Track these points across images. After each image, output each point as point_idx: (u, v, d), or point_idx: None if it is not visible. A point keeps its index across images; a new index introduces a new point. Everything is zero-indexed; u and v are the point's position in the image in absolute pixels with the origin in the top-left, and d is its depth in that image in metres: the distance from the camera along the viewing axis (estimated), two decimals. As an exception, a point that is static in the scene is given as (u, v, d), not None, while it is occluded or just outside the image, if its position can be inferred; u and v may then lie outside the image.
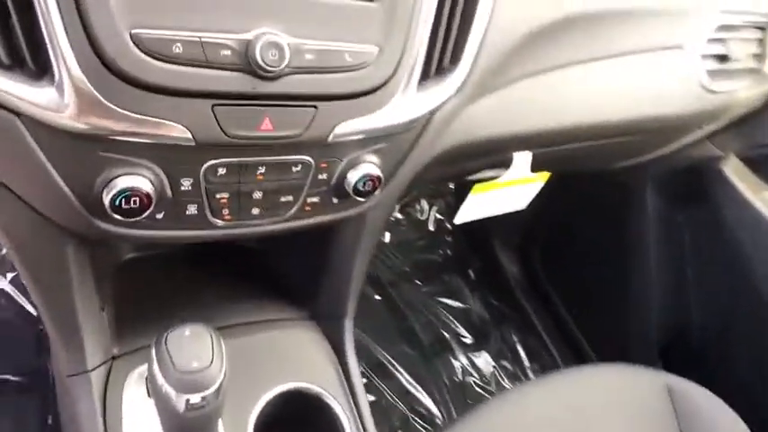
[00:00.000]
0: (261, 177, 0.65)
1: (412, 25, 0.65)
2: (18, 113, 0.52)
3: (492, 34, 0.74)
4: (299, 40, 0.58)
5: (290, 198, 0.69)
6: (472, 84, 0.75)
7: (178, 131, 0.56)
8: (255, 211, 0.68)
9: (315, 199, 0.71)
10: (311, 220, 0.74)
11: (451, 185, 2.05)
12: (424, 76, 0.70)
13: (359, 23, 0.62)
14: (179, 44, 0.53)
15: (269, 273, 1.09)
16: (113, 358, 0.84)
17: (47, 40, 0.50)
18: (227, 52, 0.55)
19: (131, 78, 0.52)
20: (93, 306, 0.78)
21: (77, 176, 0.58)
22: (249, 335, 0.92)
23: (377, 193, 0.73)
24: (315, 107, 0.60)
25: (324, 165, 0.68)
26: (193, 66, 0.54)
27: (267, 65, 0.56)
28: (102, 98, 0.52)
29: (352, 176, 0.70)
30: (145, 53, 0.52)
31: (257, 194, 0.67)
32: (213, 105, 0.56)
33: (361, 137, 0.67)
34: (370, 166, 0.70)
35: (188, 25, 0.53)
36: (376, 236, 0.93)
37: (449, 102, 0.73)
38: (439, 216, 2.10)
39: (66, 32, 0.50)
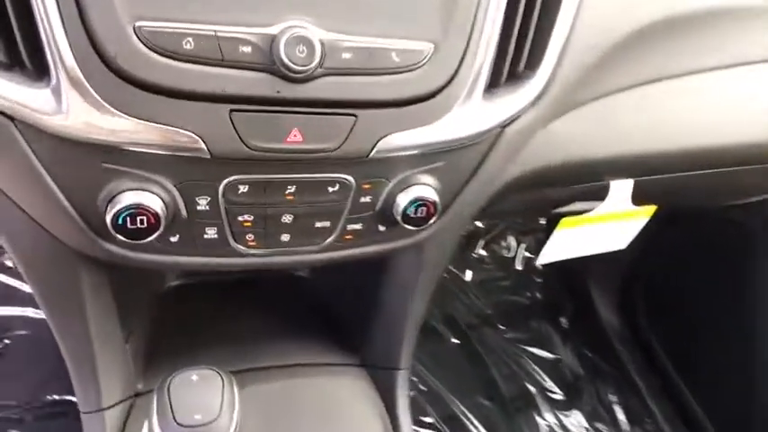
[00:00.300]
0: (291, 198, 0.56)
1: (477, 19, 0.55)
2: (12, 118, 0.47)
3: (579, 34, 0.62)
4: (334, 35, 0.49)
5: (327, 224, 0.60)
6: (554, 95, 0.64)
7: (190, 141, 0.49)
8: (285, 237, 0.60)
9: (357, 226, 0.62)
10: (353, 252, 0.65)
11: (542, 220, 1.88)
12: (493, 82, 0.59)
13: (409, 16, 0.52)
14: (190, 39, 0.46)
15: (319, 306, 1.01)
16: (136, 395, 0.78)
17: (42, 35, 0.45)
18: (247, 49, 0.47)
19: (134, 78, 0.46)
20: (112, 337, 0.72)
21: (78, 190, 0.52)
22: (289, 379, 0.84)
23: (432, 221, 0.62)
24: (354, 116, 0.52)
25: (367, 186, 0.58)
26: (207, 64, 0.47)
27: (294, 64, 0.47)
28: (101, 100, 0.46)
29: (402, 200, 0.60)
30: (150, 49, 0.45)
31: (287, 218, 0.58)
32: (231, 111, 0.49)
33: (412, 153, 0.57)
34: (424, 188, 0.60)
35: (201, 17, 0.46)
36: (436, 274, 0.82)
37: (523, 115, 0.62)
38: (528, 254, 1.97)
39: (63, 25, 0.44)
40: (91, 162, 0.49)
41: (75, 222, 0.53)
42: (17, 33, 0.45)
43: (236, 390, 0.53)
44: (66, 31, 0.44)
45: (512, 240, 1.99)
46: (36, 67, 0.46)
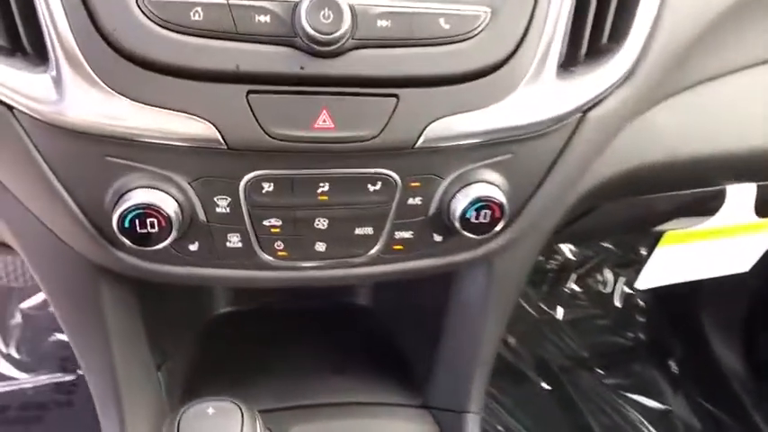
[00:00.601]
0: (324, 198, 0.50)
1: None
2: (11, 108, 0.43)
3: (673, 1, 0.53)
4: None
5: (369, 230, 0.53)
6: (646, 75, 0.54)
7: (202, 129, 0.43)
8: (320, 246, 0.53)
9: (406, 234, 0.54)
10: (404, 267, 0.57)
11: (644, 250, 1.75)
12: (570, 57, 0.51)
13: None
14: (199, 9, 0.41)
15: (378, 338, 0.94)
16: None
17: (40, 13, 0.41)
18: (265, 18, 0.42)
19: (137, 56, 0.41)
20: (140, 362, 0.67)
21: (82, 187, 0.47)
22: (342, 419, 0.76)
23: (499, 228, 0.53)
24: (395, 96, 0.45)
25: (415, 184, 0.50)
26: (219, 38, 0.42)
27: (319, 34, 0.41)
28: (100, 81, 0.42)
29: (460, 202, 0.51)
30: (154, 22, 0.41)
31: (321, 223, 0.51)
32: (248, 93, 0.43)
33: (469, 142, 0.49)
34: (486, 187, 0.51)
35: None
36: (509, 299, 0.72)
37: (609, 97, 0.53)
38: (628, 289, 1.81)
39: (62, 1, 0.41)
40: (93, 155, 0.45)
41: (82, 225, 0.49)
42: (17, 15, 0.42)
43: (259, 426, 0.45)
44: (64, 6, 0.41)
45: (608, 274, 1.85)
46: (36, 52, 0.43)
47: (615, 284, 1.83)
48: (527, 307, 1.77)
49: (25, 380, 1.38)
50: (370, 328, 0.95)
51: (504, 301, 0.70)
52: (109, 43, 0.41)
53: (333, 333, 0.93)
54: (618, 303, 1.81)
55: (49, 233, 0.51)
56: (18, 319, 1.46)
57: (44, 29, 0.41)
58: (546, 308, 1.75)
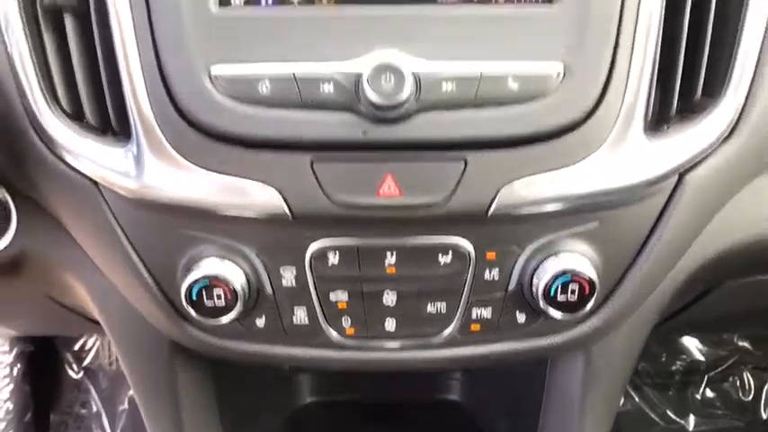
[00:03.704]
0: (391, 270, 0.47)
1: (623, 30, 0.44)
2: (96, 182, 0.47)
3: None
4: (431, 62, 0.43)
5: (443, 307, 0.49)
6: (753, 129, 0.48)
7: (268, 197, 0.44)
8: (390, 324, 0.50)
9: (484, 312, 0.50)
10: (485, 350, 0.52)
11: None
12: (661, 114, 0.47)
13: (528, 33, 0.44)
14: (266, 81, 0.43)
15: None
16: None
17: (126, 94, 0.45)
18: (329, 87, 0.43)
19: (208, 128, 0.44)
20: None
21: (156, 257, 0.49)
22: None
23: (590, 307, 0.47)
24: (463, 159, 0.44)
25: (491, 254, 0.47)
26: (286, 108, 0.43)
27: (380, 99, 0.41)
28: (175, 153, 0.44)
29: (543, 276, 0.47)
30: (226, 96, 0.43)
31: (389, 297, 0.49)
32: (313, 160, 0.43)
33: (547, 208, 0.45)
34: (573, 258, 0.47)
35: (278, 54, 0.43)
36: (612, 394, 0.64)
37: (710, 157, 0.48)
38: None
39: (145, 81, 0.44)
40: (167, 226, 0.47)
41: (155, 296, 0.50)
42: (108, 101, 0.46)
43: None
44: (146, 86, 0.44)
45: (748, 377, 1.61)
46: (122, 131, 0.46)
47: (756, 390, 1.60)
48: (652, 415, 1.58)
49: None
50: (461, 425, 0.87)
51: (606, 397, 0.62)
52: (184, 117, 0.43)
53: (420, 430, 0.87)
54: (764, 415, 1.59)
55: (127, 304, 0.53)
56: (125, 405, 1.51)
57: (128, 110, 0.45)
58: (675, 416, 1.56)
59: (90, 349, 1.51)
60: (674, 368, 1.63)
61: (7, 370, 1.41)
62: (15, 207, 0.53)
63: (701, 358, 1.64)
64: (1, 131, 0.48)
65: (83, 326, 0.67)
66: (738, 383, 1.66)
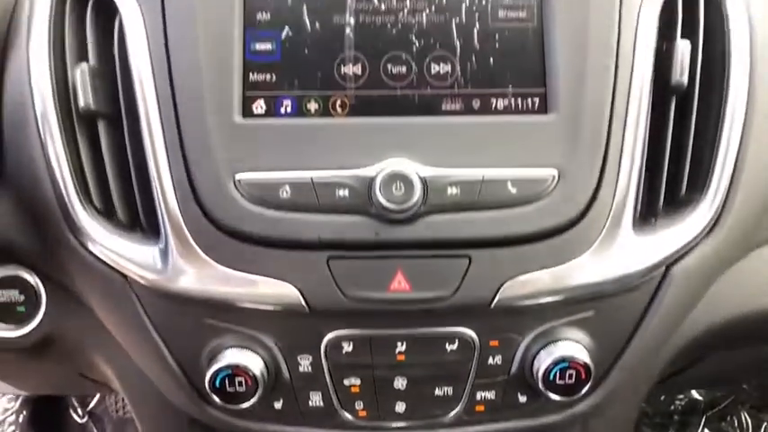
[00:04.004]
0: (402, 358, 0.50)
1: (612, 134, 0.48)
2: (126, 276, 0.50)
3: (758, 144, 0.50)
4: (437, 169, 0.46)
5: (449, 390, 0.52)
6: (734, 223, 0.51)
7: (286, 292, 0.47)
8: (400, 407, 0.53)
9: (488, 394, 0.53)
10: (490, 429, 0.55)
11: None
12: (648, 211, 0.50)
13: (525, 142, 0.48)
14: (287, 186, 0.46)
15: None
16: None
17: (156, 197, 0.48)
18: (344, 192, 0.46)
19: (232, 229, 0.47)
20: None
21: (182, 346, 0.52)
22: None
23: (586, 390, 0.50)
24: (467, 257, 0.47)
25: (494, 343, 0.50)
26: (304, 211, 0.46)
27: (391, 203, 0.45)
28: (201, 252, 0.47)
29: (543, 362, 0.50)
30: (248, 200, 0.46)
31: (400, 383, 0.52)
32: (329, 258, 0.47)
33: (545, 300, 0.48)
34: (569, 346, 0.50)
35: (297, 161, 0.47)
36: None
37: (695, 249, 0.51)
38: None
39: (174, 185, 0.47)
40: (192, 317, 0.49)
41: (180, 381, 0.53)
42: (138, 201, 0.49)
43: None
44: (175, 191, 0.47)
45: (745, 417, 1.62)
46: (150, 228, 0.49)
47: (756, 430, 1.60)
48: (651, 455, 1.58)
49: None
50: None
51: None
52: (210, 220, 0.46)
53: None
54: (763, 454, 1.57)
55: (151, 385, 0.55)
56: (129, 451, 1.51)
57: (158, 209, 0.48)
58: (673, 456, 1.55)
59: (94, 394, 1.51)
60: (672, 408, 1.63)
61: (14, 417, 1.41)
62: (46, 292, 0.55)
63: (699, 398, 1.65)
64: (36, 223, 0.51)
65: (99, 388, 0.69)
66: (736, 423, 1.65)
